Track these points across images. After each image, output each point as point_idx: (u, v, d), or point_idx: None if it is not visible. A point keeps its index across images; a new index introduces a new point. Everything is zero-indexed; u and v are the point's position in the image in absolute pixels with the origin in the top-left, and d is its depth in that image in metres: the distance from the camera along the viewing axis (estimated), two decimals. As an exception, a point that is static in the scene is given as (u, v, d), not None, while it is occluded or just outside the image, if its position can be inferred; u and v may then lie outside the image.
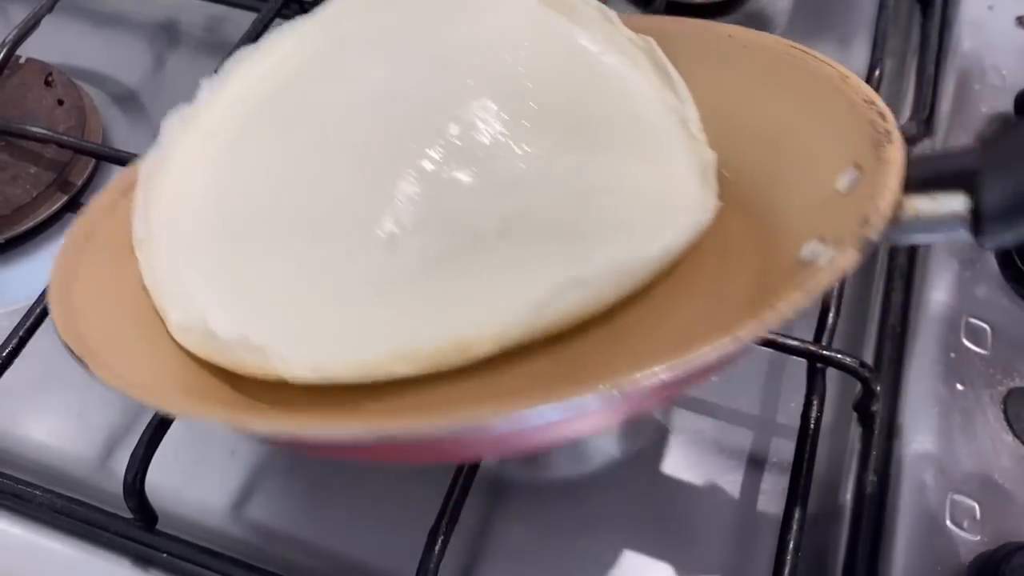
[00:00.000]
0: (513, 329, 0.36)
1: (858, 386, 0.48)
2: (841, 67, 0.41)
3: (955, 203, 0.32)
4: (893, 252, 0.55)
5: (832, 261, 0.30)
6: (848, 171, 0.37)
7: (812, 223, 0.36)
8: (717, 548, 0.47)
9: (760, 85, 0.45)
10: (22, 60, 0.64)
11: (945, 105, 0.61)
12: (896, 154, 0.34)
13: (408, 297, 0.37)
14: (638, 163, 0.42)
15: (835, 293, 0.51)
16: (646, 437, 0.51)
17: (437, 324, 0.36)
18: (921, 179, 0.33)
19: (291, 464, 0.50)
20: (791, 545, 0.42)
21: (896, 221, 0.32)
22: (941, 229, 0.33)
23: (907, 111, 0.63)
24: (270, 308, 0.38)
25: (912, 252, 0.55)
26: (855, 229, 0.31)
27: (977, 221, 0.32)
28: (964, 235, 0.32)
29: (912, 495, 0.45)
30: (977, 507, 0.45)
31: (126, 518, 0.45)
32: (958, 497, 0.45)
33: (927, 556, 0.43)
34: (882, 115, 0.37)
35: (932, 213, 0.32)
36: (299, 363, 0.35)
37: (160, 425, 0.44)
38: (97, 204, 0.42)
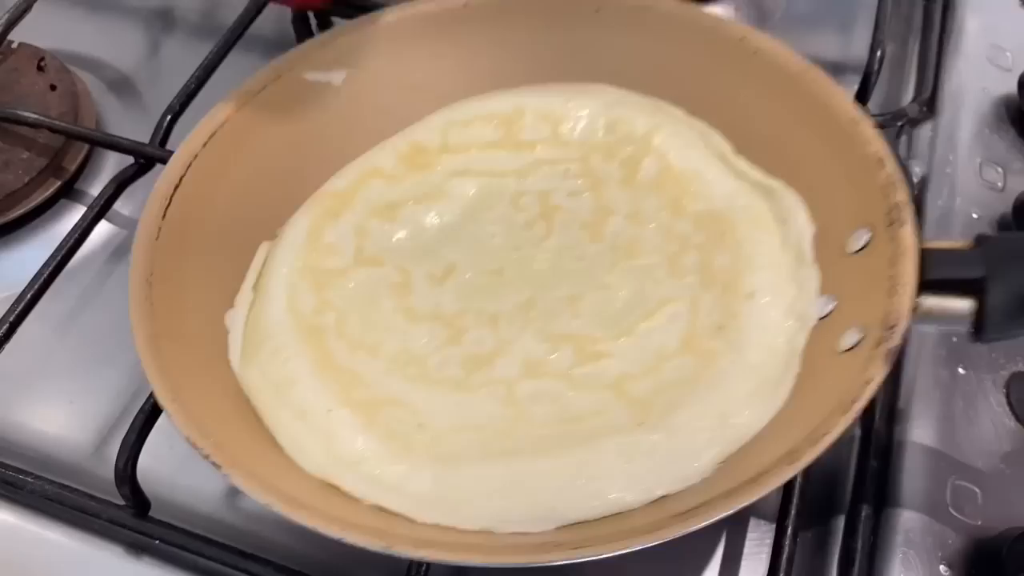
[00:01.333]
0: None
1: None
2: (852, 106, 0.44)
3: (962, 307, 0.37)
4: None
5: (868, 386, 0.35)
6: (860, 231, 0.41)
7: (830, 282, 0.42)
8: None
9: (771, 100, 0.47)
10: (14, 45, 0.63)
11: (949, 87, 0.60)
12: (910, 240, 0.38)
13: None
14: None
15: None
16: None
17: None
18: (930, 280, 0.37)
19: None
20: (789, 530, 0.41)
21: (911, 318, 0.37)
22: (944, 324, 0.38)
23: (910, 92, 0.63)
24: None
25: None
26: (881, 333, 0.36)
27: (979, 324, 0.36)
28: (963, 331, 0.37)
29: (913, 480, 0.44)
30: (979, 492, 0.44)
31: (119, 505, 0.45)
32: (960, 482, 0.44)
33: (928, 541, 0.42)
34: (892, 182, 0.40)
35: (941, 314, 0.37)
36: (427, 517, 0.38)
37: (152, 412, 0.44)
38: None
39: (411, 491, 0.39)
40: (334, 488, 0.40)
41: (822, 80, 0.45)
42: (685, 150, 0.49)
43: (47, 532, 0.46)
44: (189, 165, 0.45)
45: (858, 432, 0.48)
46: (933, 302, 0.37)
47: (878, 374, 0.35)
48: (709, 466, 0.38)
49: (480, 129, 0.52)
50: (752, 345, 0.41)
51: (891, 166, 0.41)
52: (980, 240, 0.38)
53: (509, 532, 0.37)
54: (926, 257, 0.38)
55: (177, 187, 0.44)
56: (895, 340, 0.36)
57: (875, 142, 0.42)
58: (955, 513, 0.43)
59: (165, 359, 0.39)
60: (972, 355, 0.49)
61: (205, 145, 0.46)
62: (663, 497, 0.37)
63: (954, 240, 0.39)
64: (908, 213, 0.39)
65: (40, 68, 0.63)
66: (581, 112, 0.51)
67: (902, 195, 0.40)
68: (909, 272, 0.37)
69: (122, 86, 0.67)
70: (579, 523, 0.37)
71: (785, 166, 0.47)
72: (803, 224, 0.44)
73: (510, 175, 0.50)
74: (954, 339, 0.49)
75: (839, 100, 0.44)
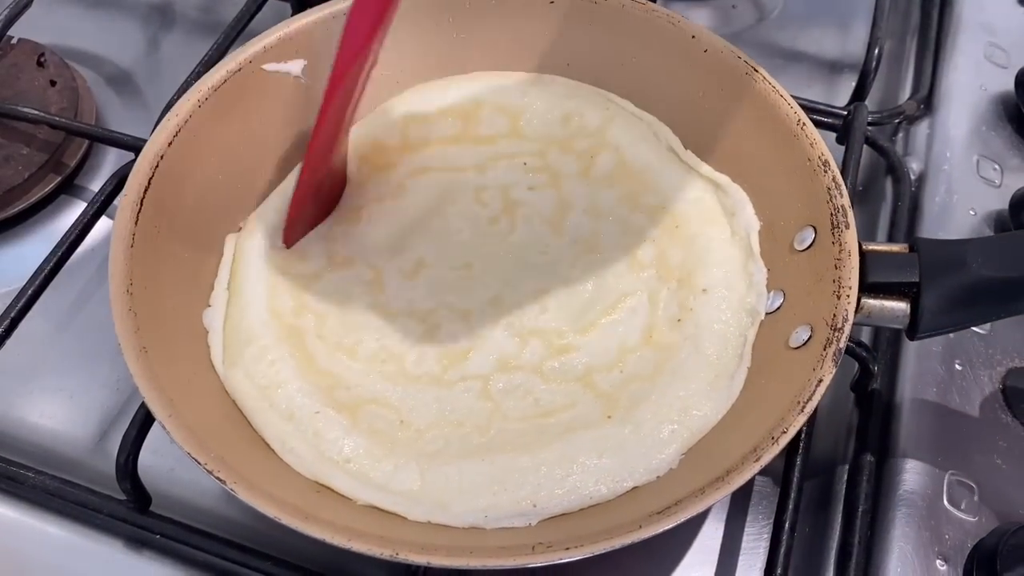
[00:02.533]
0: None
1: (856, 366, 0.48)
2: (798, 108, 0.46)
3: (899, 308, 0.40)
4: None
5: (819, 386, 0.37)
6: (806, 230, 0.44)
7: (778, 278, 0.44)
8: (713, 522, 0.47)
9: (719, 99, 0.49)
10: (14, 41, 0.63)
11: (946, 84, 0.61)
12: (854, 245, 0.41)
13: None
14: None
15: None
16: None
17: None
18: (871, 283, 0.40)
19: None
20: (787, 525, 0.42)
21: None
22: (881, 324, 0.41)
23: (907, 90, 0.63)
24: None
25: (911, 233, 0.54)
26: (829, 335, 0.39)
27: (912, 323, 0.40)
28: (898, 328, 0.41)
29: (910, 476, 0.44)
30: (975, 488, 0.44)
31: (119, 500, 0.45)
32: (956, 478, 0.45)
33: (925, 537, 0.43)
34: (836, 184, 0.43)
35: (880, 315, 0.40)
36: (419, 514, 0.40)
37: (153, 406, 0.44)
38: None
39: (400, 489, 0.41)
40: (327, 488, 0.41)
41: (769, 82, 0.47)
42: (637, 144, 0.51)
43: (47, 526, 0.46)
44: (156, 167, 0.45)
45: (855, 427, 0.48)
46: (873, 304, 0.40)
47: (827, 374, 0.38)
48: (674, 457, 0.41)
49: (439, 124, 0.52)
50: (708, 338, 0.44)
51: (835, 169, 0.43)
52: (915, 244, 0.41)
53: (496, 528, 0.39)
54: (867, 260, 0.41)
55: (147, 190, 0.44)
56: (842, 341, 0.38)
57: (819, 144, 0.44)
58: (952, 509, 0.44)
59: (154, 370, 0.39)
60: (968, 351, 0.49)
61: (170, 145, 0.46)
62: (635, 488, 0.40)
63: (891, 244, 0.42)
64: (851, 216, 0.42)
65: (40, 64, 0.62)
66: (536, 104, 0.52)
67: (845, 198, 0.42)
68: (853, 275, 0.40)
69: (122, 82, 0.67)
70: (560, 515, 0.40)
71: (732, 162, 0.49)
72: (750, 218, 0.47)
73: (470, 170, 0.51)
74: (951, 335, 0.49)
75: (785, 102, 0.46)
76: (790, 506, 0.42)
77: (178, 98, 0.55)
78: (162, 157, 0.45)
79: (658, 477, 0.40)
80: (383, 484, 0.41)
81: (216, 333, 0.45)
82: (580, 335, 0.45)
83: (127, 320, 0.40)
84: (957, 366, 0.48)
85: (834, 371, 0.38)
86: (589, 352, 0.44)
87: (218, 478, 0.36)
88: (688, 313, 0.44)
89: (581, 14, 0.51)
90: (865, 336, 0.51)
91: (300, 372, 0.43)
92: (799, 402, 0.37)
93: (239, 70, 0.48)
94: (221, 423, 0.41)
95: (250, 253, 0.47)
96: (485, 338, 0.45)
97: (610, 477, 0.40)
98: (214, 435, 0.39)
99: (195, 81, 0.56)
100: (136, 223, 0.43)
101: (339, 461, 0.41)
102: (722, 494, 0.35)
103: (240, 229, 0.49)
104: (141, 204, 0.44)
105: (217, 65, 0.49)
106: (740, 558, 0.45)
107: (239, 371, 0.43)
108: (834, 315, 0.39)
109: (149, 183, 0.44)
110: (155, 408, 0.38)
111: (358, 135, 0.51)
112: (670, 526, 0.35)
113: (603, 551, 0.34)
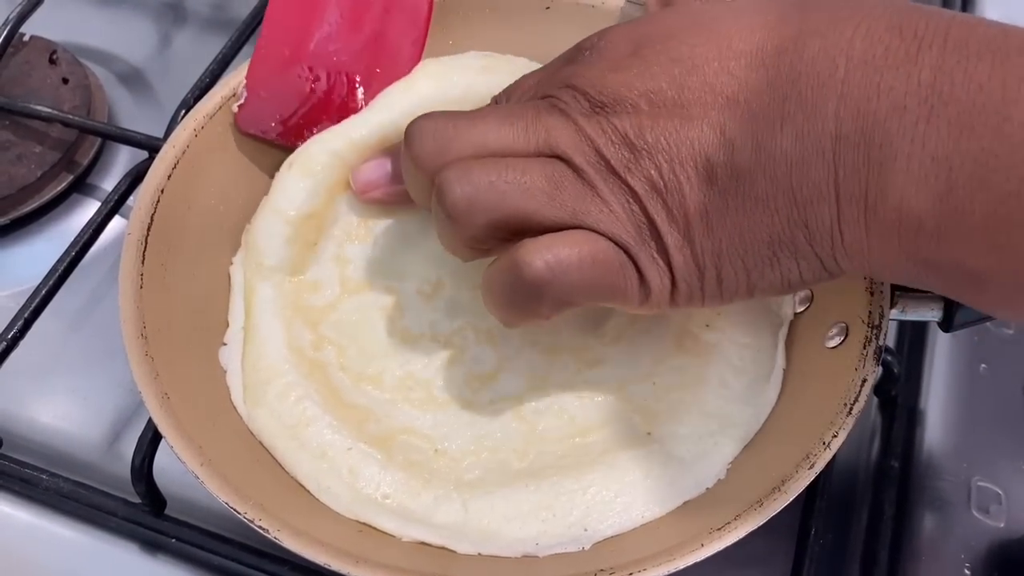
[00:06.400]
0: None
1: (879, 370, 0.47)
2: None
3: (934, 303, 0.39)
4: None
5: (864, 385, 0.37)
6: None
7: None
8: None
9: None
10: (26, 38, 0.63)
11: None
12: None
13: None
14: None
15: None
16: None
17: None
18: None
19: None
20: (812, 532, 0.41)
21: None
22: (916, 318, 0.40)
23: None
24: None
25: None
26: (867, 332, 0.38)
27: (947, 318, 0.39)
28: (933, 320, 0.40)
29: (935, 482, 0.44)
30: (1002, 493, 0.44)
31: (134, 503, 0.45)
32: (982, 483, 0.44)
33: (951, 543, 0.42)
34: None
35: (915, 310, 0.40)
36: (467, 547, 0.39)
37: (168, 409, 0.44)
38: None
39: (444, 521, 0.39)
40: (369, 527, 0.39)
41: None
42: None
43: (62, 529, 0.46)
44: (158, 202, 0.44)
45: (879, 431, 0.48)
46: (908, 299, 0.39)
47: (870, 373, 0.37)
48: (721, 468, 0.39)
49: None
50: (741, 341, 0.43)
51: None
52: None
53: (550, 555, 0.38)
54: None
55: (150, 227, 0.43)
56: (881, 338, 0.38)
57: None
58: (978, 515, 0.43)
59: (178, 416, 0.39)
60: (994, 353, 0.48)
61: (169, 177, 0.45)
62: (684, 503, 0.39)
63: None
64: None
65: (52, 61, 0.62)
66: None
67: None
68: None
69: (134, 79, 0.66)
70: (613, 537, 0.38)
71: None
72: None
73: None
74: (975, 337, 0.49)
75: None
76: (815, 513, 0.41)
77: (191, 98, 0.55)
78: (163, 191, 0.44)
79: (707, 489, 0.39)
80: (425, 518, 0.39)
81: (235, 373, 0.43)
82: (610, 346, 0.43)
83: (144, 366, 0.39)
84: (983, 368, 0.48)
85: (876, 369, 0.37)
86: (620, 364, 0.43)
87: (260, 527, 0.35)
88: (717, 318, 0.43)
89: (579, 18, 0.50)
90: (889, 339, 0.50)
91: (327, 408, 0.42)
92: (846, 404, 0.36)
93: (233, 95, 0.47)
94: (252, 466, 0.40)
95: (262, 288, 0.45)
96: (513, 358, 0.43)
97: (659, 495, 0.39)
98: (248, 480, 0.38)
99: (208, 79, 0.56)
100: (143, 262, 0.42)
101: (377, 498, 0.40)
102: (781, 504, 0.34)
103: (239, 246, 0.47)
104: (146, 243, 0.43)
105: (210, 92, 0.47)
106: (759, 567, 0.45)
107: (264, 411, 0.42)
108: (870, 312, 0.38)
109: (152, 220, 0.43)
110: (186, 459, 0.37)
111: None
112: (732, 542, 0.34)
113: (667, 573, 0.33)
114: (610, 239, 0.33)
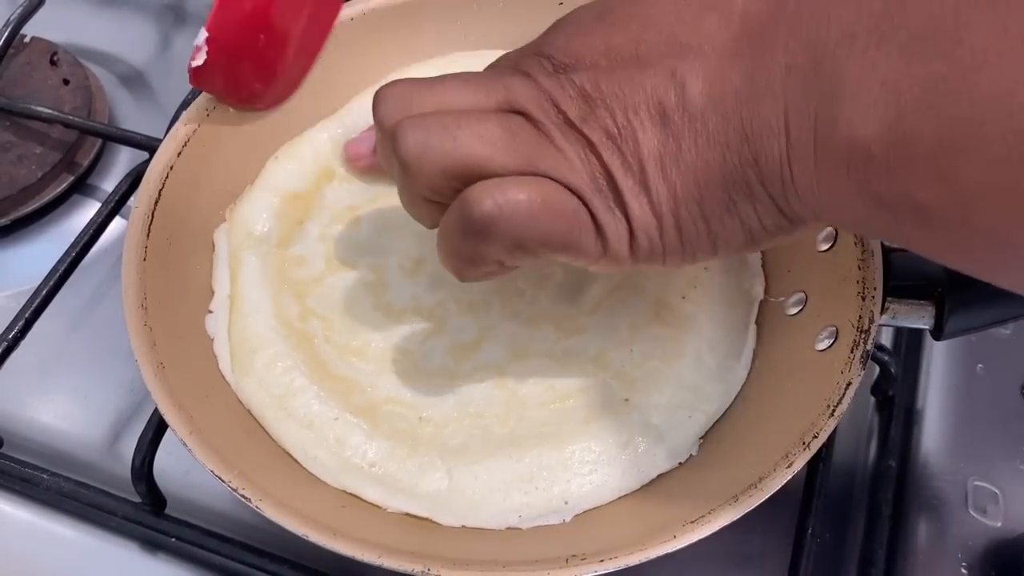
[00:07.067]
0: None
1: (876, 370, 0.48)
2: None
3: (925, 310, 0.39)
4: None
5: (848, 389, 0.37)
6: (826, 230, 0.43)
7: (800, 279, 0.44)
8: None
9: None
10: (27, 39, 0.63)
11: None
12: (877, 245, 0.40)
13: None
14: None
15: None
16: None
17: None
18: (895, 283, 0.39)
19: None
20: (809, 531, 0.41)
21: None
22: (905, 325, 0.40)
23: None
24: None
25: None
26: (855, 336, 0.38)
27: (938, 325, 0.39)
28: (924, 328, 0.40)
29: (932, 481, 0.44)
30: (999, 493, 0.44)
31: (134, 502, 0.45)
32: (979, 483, 0.44)
33: (947, 542, 0.42)
34: None
35: (906, 316, 0.40)
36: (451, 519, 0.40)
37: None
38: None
39: (429, 490, 0.40)
40: (355, 498, 0.40)
41: None
42: None
43: (62, 529, 0.46)
44: (166, 178, 0.44)
45: (875, 431, 0.48)
46: (899, 306, 0.39)
47: (856, 377, 0.37)
48: (693, 441, 0.41)
49: None
50: (715, 316, 0.44)
51: None
52: None
53: (532, 527, 0.39)
54: (890, 259, 0.40)
55: (157, 202, 0.44)
56: (869, 343, 0.38)
57: None
58: (975, 514, 0.43)
59: (171, 385, 0.39)
60: (991, 352, 0.49)
61: (179, 155, 0.45)
62: (659, 476, 0.41)
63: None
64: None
65: (53, 62, 0.62)
66: None
67: None
68: (878, 276, 0.39)
69: (135, 80, 0.66)
70: (593, 509, 0.40)
71: None
72: None
73: None
74: (972, 338, 0.49)
75: None
76: (812, 512, 0.41)
77: (192, 98, 0.55)
78: (172, 168, 0.45)
79: (680, 464, 0.41)
80: (411, 487, 0.40)
81: (221, 341, 0.44)
82: (588, 316, 0.44)
83: (143, 335, 0.40)
84: (979, 369, 0.48)
85: (862, 373, 0.37)
86: (599, 332, 0.44)
87: (243, 496, 0.36)
88: (693, 290, 0.44)
89: None
90: (886, 339, 0.51)
91: (315, 379, 0.43)
92: (828, 406, 0.37)
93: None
94: (241, 436, 0.41)
95: (247, 257, 0.46)
96: (494, 328, 0.45)
97: (635, 467, 0.40)
98: (236, 450, 0.38)
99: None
100: (148, 236, 0.43)
101: (364, 466, 0.41)
102: (756, 501, 0.35)
103: (225, 220, 0.48)
104: (152, 216, 0.43)
105: None
106: (762, 564, 0.45)
107: (252, 380, 0.43)
108: (860, 316, 0.38)
109: (159, 195, 0.44)
110: (176, 426, 0.37)
111: (347, 131, 0.50)
112: (705, 535, 0.34)
113: (638, 563, 0.34)
114: (565, 186, 0.33)
